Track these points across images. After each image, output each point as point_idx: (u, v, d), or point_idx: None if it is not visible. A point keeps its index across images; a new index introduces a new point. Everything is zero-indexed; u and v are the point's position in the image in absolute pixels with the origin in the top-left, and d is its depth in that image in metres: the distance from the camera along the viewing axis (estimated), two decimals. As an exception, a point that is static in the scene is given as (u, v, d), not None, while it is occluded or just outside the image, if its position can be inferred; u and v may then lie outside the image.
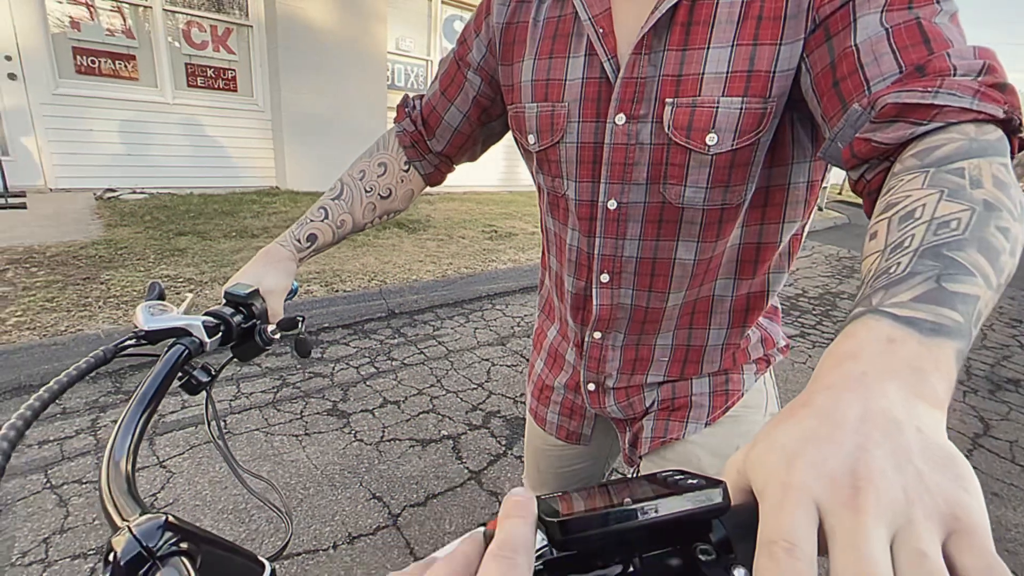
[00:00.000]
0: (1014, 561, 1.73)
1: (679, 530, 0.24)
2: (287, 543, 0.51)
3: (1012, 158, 0.40)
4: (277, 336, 0.64)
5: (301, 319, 0.66)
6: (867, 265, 0.35)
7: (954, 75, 0.40)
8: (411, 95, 0.81)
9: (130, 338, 0.51)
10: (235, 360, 0.64)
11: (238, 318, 0.60)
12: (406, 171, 0.81)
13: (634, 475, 0.89)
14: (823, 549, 0.20)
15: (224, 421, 2.08)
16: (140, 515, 0.34)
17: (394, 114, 0.83)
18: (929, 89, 0.40)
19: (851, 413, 0.23)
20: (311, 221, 0.76)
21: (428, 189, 0.85)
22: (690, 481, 0.24)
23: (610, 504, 0.23)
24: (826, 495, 0.20)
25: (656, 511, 0.22)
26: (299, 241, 0.74)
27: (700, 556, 0.23)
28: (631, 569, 0.24)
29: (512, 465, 2.00)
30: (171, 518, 0.34)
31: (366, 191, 0.79)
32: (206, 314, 0.58)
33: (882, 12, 0.44)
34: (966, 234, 0.31)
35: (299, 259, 0.74)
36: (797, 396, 0.26)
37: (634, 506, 0.22)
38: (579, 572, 0.24)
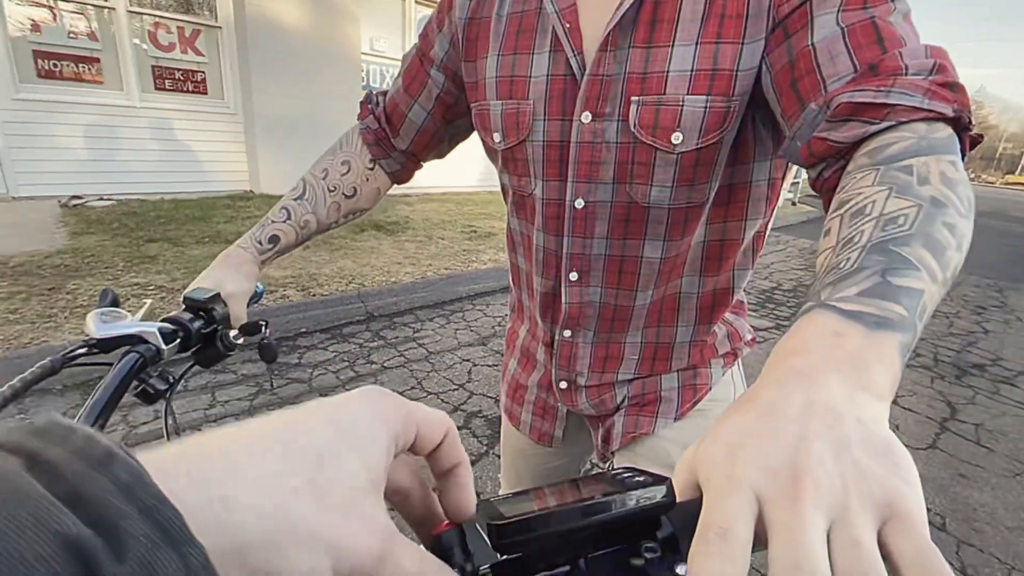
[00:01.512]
0: (981, 540, 1.79)
1: (626, 528, 0.24)
2: None
3: (963, 156, 0.41)
4: (240, 341, 0.63)
5: (264, 324, 0.65)
6: (820, 261, 0.36)
7: (906, 74, 0.41)
8: (375, 92, 0.80)
9: (80, 347, 0.49)
10: (196, 367, 0.62)
11: (198, 323, 0.59)
12: (371, 169, 0.80)
13: (608, 469, 0.90)
14: (765, 542, 0.20)
15: (199, 430, 2.04)
16: None
17: (342, 138, 0.81)
18: (882, 88, 0.41)
19: (794, 405, 0.23)
20: (273, 222, 0.74)
21: (406, 190, 0.84)
22: (637, 479, 0.24)
23: (555, 505, 0.23)
24: (766, 485, 0.21)
25: (600, 510, 0.22)
26: (260, 243, 0.73)
27: (646, 554, 0.23)
28: (577, 570, 0.24)
29: (494, 465, 2.00)
30: None
31: (330, 190, 0.77)
32: (163, 320, 0.56)
33: (838, 12, 0.45)
34: (912, 229, 0.32)
35: (261, 261, 0.73)
36: (746, 391, 0.26)
37: (576, 505, 0.22)
38: (526, 575, 0.23)
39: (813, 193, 0.49)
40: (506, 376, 0.89)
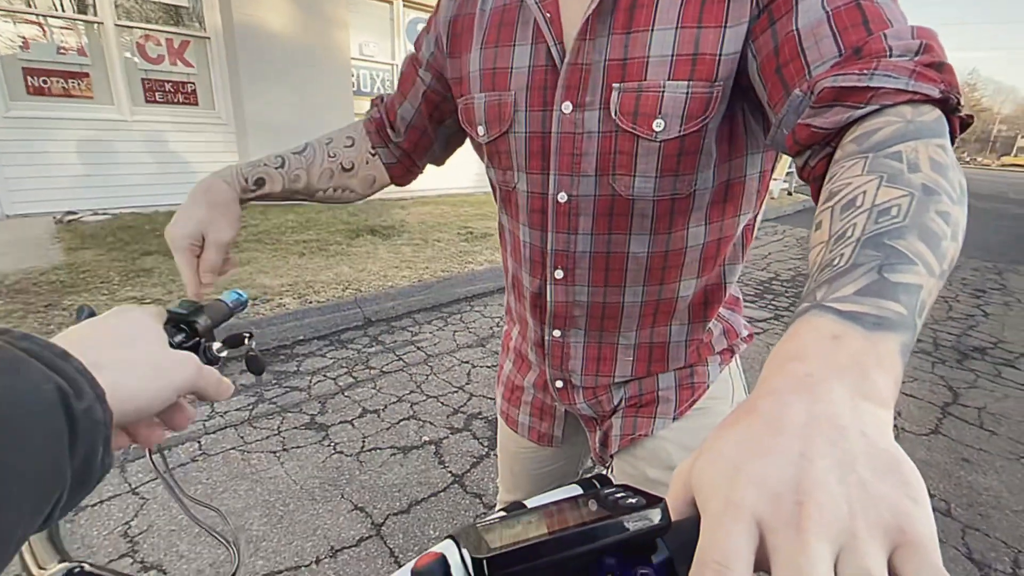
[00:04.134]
0: (987, 524, 1.78)
1: (620, 554, 0.23)
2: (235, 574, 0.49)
3: (953, 138, 0.39)
4: (224, 354, 0.62)
5: (248, 335, 0.64)
6: (813, 257, 0.35)
7: (890, 56, 0.40)
8: (387, 93, 0.82)
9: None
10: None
11: (179, 337, 0.58)
12: (372, 155, 0.80)
13: (609, 473, 0.89)
14: (767, 567, 0.19)
15: (198, 442, 2.03)
16: (57, 564, 0.33)
17: (352, 124, 0.82)
18: (865, 71, 0.39)
19: (795, 418, 0.22)
20: (264, 165, 0.71)
21: (401, 194, 0.83)
22: (630, 500, 0.23)
23: (544, 533, 0.22)
24: (768, 511, 0.19)
25: (591, 538, 0.21)
26: (245, 180, 0.69)
27: None
28: None
29: (495, 466, 2.00)
30: (88, 566, 0.32)
31: (329, 156, 0.77)
32: None
33: None
34: (906, 221, 0.31)
35: (242, 201, 0.69)
36: (744, 400, 0.25)
37: (567, 533, 0.21)
38: None
39: (809, 181, 0.48)
40: (501, 378, 0.89)
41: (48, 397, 0.23)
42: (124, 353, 0.31)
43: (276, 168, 0.72)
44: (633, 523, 0.22)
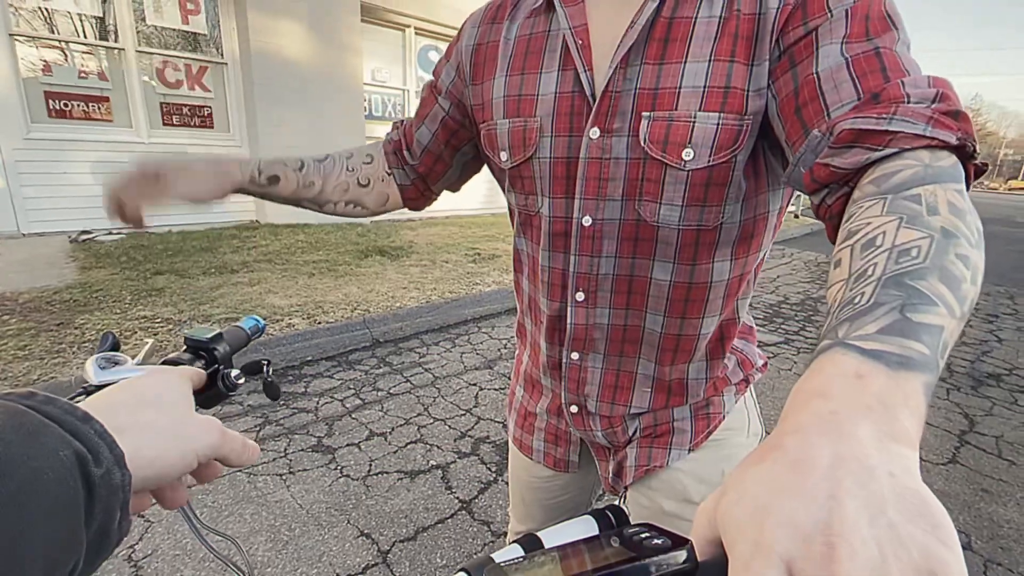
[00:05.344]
0: (1009, 558, 1.73)
1: None
2: None
3: (968, 185, 0.40)
4: (242, 381, 0.62)
5: (266, 362, 0.65)
6: (832, 294, 0.35)
7: (908, 102, 0.41)
8: (407, 117, 0.83)
9: (79, 394, 0.49)
10: (199, 408, 0.62)
11: (199, 364, 0.58)
12: (388, 173, 0.81)
13: (621, 502, 0.88)
14: None
15: (205, 464, 2.02)
16: None
17: (372, 143, 0.84)
18: (884, 116, 0.41)
19: (822, 459, 0.22)
20: (284, 165, 0.73)
21: (411, 215, 0.84)
22: (655, 541, 0.23)
23: (571, 574, 0.22)
24: (798, 553, 0.19)
25: None
26: (259, 172, 0.71)
27: None
28: None
29: (503, 492, 1.97)
30: None
31: (348, 170, 0.78)
32: (164, 362, 0.56)
33: (843, 42, 0.46)
34: (927, 262, 0.31)
35: (242, 185, 0.71)
36: (768, 436, 0.25)
37: (594, 575, 0.21)
38: None
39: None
40: (513, 404, 0.88)
41: (66, 463, 0.23)
42: (148, 417, 0.32)
43: (294, 170, 0.74)
44: (659, 565, 0.22)
